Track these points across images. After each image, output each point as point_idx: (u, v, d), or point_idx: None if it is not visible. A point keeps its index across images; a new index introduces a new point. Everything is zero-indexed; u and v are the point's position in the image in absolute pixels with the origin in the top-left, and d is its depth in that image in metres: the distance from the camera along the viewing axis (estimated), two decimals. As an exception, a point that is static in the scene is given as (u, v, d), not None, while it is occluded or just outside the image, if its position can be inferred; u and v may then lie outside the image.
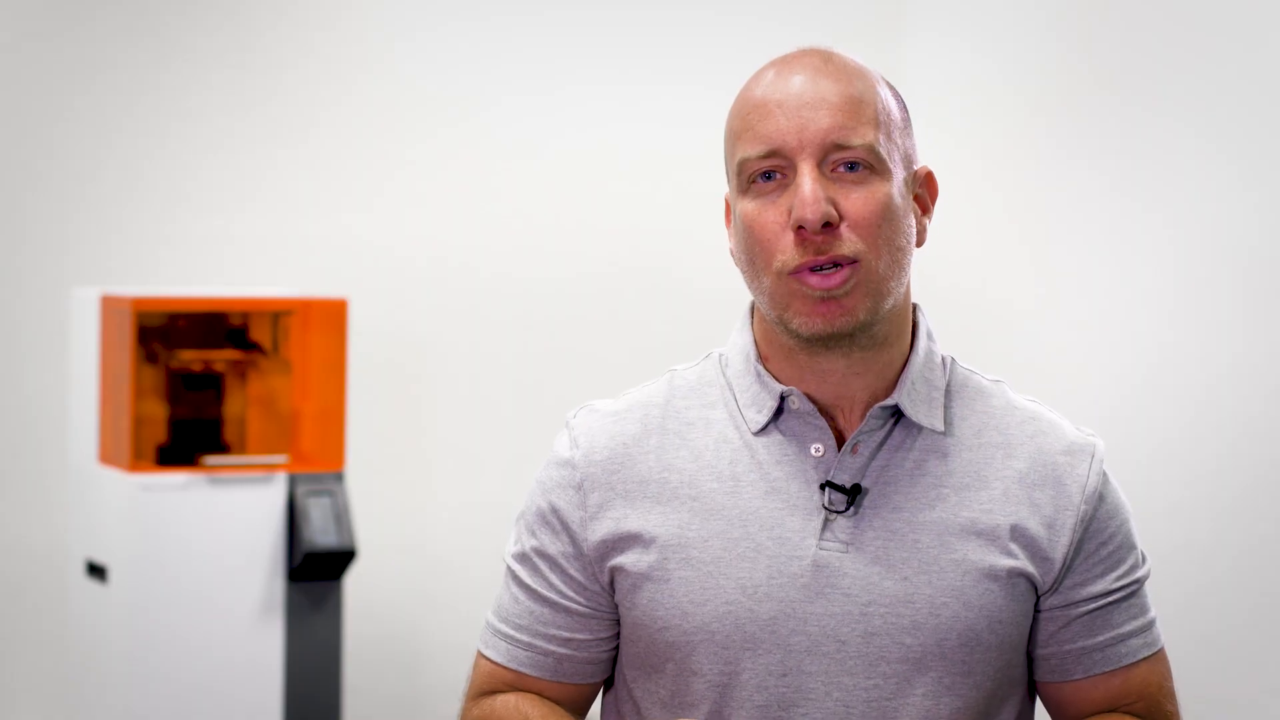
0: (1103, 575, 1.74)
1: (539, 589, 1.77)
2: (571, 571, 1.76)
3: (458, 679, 5.38)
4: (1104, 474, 1.76)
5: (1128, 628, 1.75)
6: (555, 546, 1.76)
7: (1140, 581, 1.77)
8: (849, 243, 1.66)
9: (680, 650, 1.71)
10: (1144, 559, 1.78)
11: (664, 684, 1.73)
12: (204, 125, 4.76)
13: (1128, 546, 1.76)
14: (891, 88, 1.74)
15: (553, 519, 1.77)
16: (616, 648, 1.78)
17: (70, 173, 4.65)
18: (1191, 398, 4.32)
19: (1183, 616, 4.18)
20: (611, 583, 1.75)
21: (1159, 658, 1.78)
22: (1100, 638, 1.74)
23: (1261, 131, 4.17)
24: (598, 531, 1.75)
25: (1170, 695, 1.79)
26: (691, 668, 1.71)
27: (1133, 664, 1.76)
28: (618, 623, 1.77)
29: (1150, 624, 1.78)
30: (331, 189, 4.88)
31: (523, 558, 1.79)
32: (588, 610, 1.76)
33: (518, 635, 1.78)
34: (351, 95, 4.89)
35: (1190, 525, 4.27)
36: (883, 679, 1.68)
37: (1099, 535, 1.74)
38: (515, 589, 1.79)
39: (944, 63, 5.09)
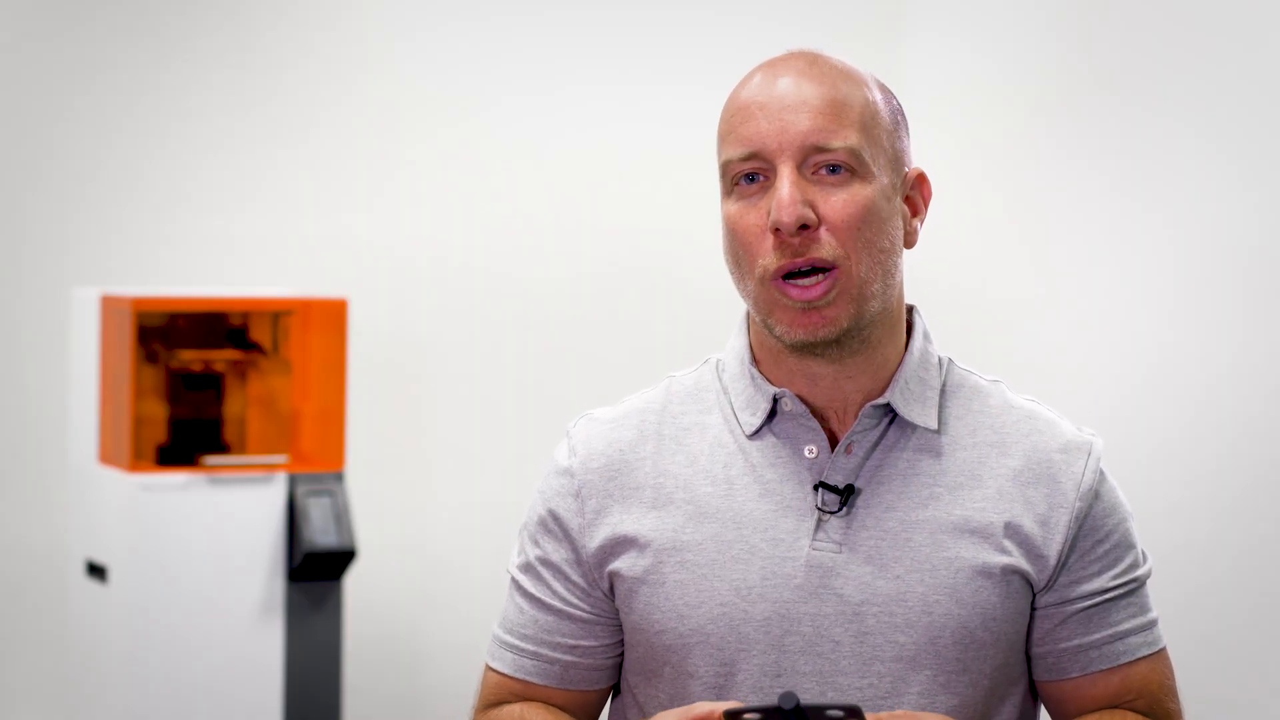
0: (1100, 573, 1.74)
1: (543, 597, 1.78)
2: (575, 578, 1.77)
3: (458, 679, 5.37)
4: (1101, 472, 1.75)
5: (1126, 625, 1.75)
6: (558, 554, 1.77)
7: (1140, 581, 1.76)
8: (827, 246, 1.67)
9: (676, 653, 1.71)
10: (1145, 558, 1.78)
11: (663, 687, 1.74)
12: (204, 125, 4.76)
13: (1126, 545, 1.76)
14: (884, 89, 1.74)
15: (554, 526, 1.78)
16: (622, 654, 1.79)
17: (70, 173, 4.65)
18: (1191, 398, 4.32)
19: (1183, 616, 4.18)
20: (611, 588, 1.76)
21: (1160, 657, 1.77)
22: (1097, 635, 1.74)
23: (1261, 131, 4.17)
24: (596, 538, 1.75)
25: (1172, 693, 1.78)
26: (688, 670, 1.71)
27: (1132, 662, 1.75)
28: (622, 628, 1.77)
29: (1151, 623, 1.76)
30: (331, 189, 4.88)
31: (527, 567, 1.79)
32: (591, 616, 1.77)
33: (524, 645, 1.78)
34: (351, 95, 4.89)
35: (1190, 525, 4.26)
36: (877, 678, 1.68)
37: (1095, 533, 1.74)
38: (520, 599, 1.79)
39: (944, 63, 5.09)
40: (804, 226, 1.66)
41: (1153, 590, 1.80)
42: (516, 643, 1.79)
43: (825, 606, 1.69)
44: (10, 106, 4.60)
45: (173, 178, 4.74)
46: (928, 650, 1.68)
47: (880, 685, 1.68)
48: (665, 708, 1.73)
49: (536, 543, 1.79)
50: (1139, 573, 1.76)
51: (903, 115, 1.76)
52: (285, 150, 4.84)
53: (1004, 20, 4.93)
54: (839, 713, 1.44)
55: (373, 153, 4.92)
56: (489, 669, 1.81)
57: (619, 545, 1.74)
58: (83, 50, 4.64)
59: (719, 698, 1.70)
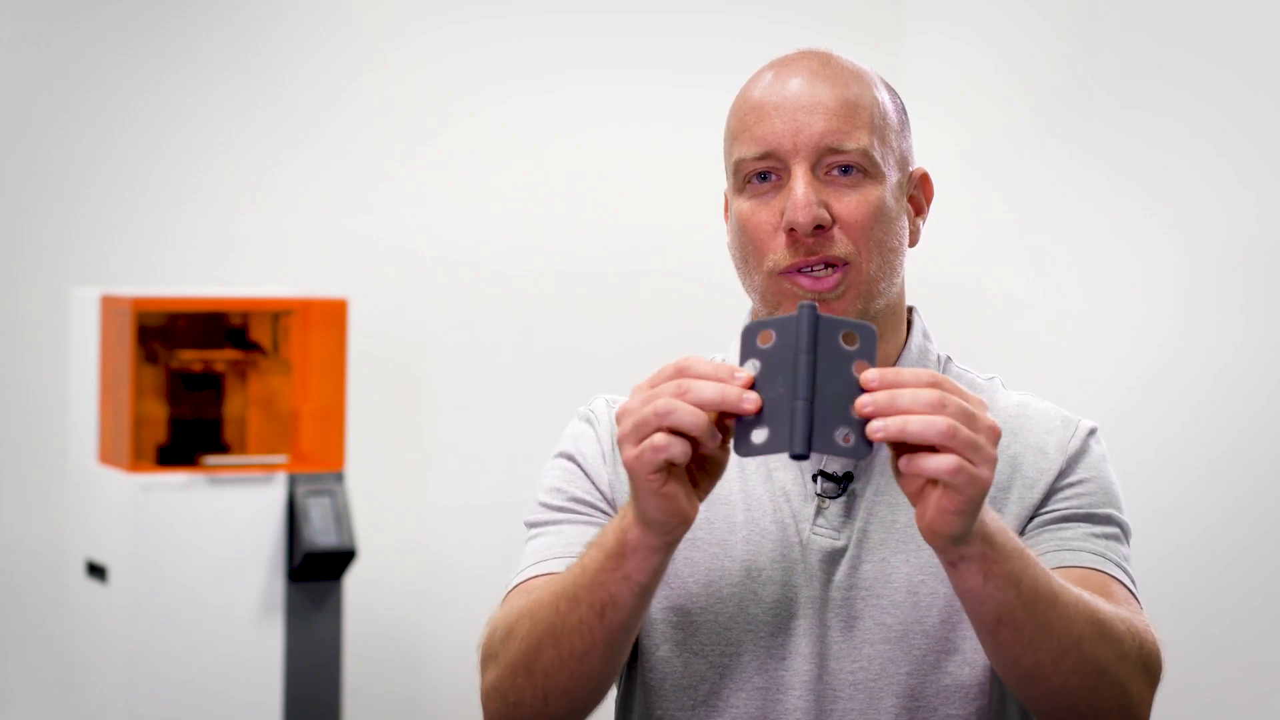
0: (1065, 500, 1.72)
1: (584, 521, 1.75)
2: (607, 510, 1.76)
3: (458, 679, 5.35)
4: (1089, 444, 1.75)
5: (1078, 542, 1.71)
6: (591, 494, 1.77)
7: (1111, 520, 1.73)
8: (840, 245, 1.69)
9: (682, 630, 1.73)
10: (1124, 524, 1.74)
11: (670, 664, 1.74)
12: (204, 125, 4.76)
13: (1102, 493, 1.74)
14: (890, 89, 1.77)
15: (579, 471, 1.78)
16: None
17: (70, 173, 4.65)
18: (1190, 397, 4.32)
19: (1183, 616, 4.18)
20: None
21: (1117, 584, 1.68)
22: (1046, 544, 1.71)
23: (1261, 131, 4.17)
24: (617, 487, 1.76)
25: (1130, 607, 1.67)
26: (693, 648, 1.73)
27: (1078, 568, 1.68)
28: None
29: (1111, 559, 1.70)
30: (331, 189, 4.89)
31: (559, 508, 1.77)
32: None
33: (570, 550, 1.73)
34: (351, 95, 4.89)
35: (1190, 525, 4.27)
36: (867, 661, 1.70)
37: (1070, 474, 1.74)
38: (556, 528, 1.76)
39: (944, 63, 5.09)
40: (819, 227, 1.68)
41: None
42: (560, 554, 1.73)
43: (820, 591, 1.71)
44: (10, 106, 4.60)
45: (173, 178, 4.75)
46: (915, 630, 1.70)
47: (870, 668, 1.70)
48: (675, 685, 1.73)
49: (561, 490, 1.77)
50: (1113, 515, 1.73)
51: (906, 114, 1.78)
52: (285, 150, 4.84)
53: (1004, 20, 4.93)
54: (852, 330, 1.39)
55: (373, 153, 4.92)
56: (514, 587, 1.74)
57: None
58: (83, 50, 4.64)
59: (722, 677, 1.72)
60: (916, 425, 1.39)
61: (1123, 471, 1.82)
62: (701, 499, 1.52)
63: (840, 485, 1.73)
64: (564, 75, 5.07)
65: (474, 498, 5.00)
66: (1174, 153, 4.38)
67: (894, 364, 1.76)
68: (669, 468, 1.47)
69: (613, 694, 1.85)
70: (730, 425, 1.48)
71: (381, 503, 4.86)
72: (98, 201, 4.68)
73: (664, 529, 1.51)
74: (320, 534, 4.15)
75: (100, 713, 4.16)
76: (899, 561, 1.70)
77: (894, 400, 1.40)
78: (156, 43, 4.71)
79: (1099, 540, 1.71)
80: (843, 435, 1.41)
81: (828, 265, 1.69)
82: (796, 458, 1.42)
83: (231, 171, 4.79)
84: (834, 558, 1.71)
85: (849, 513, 1.73)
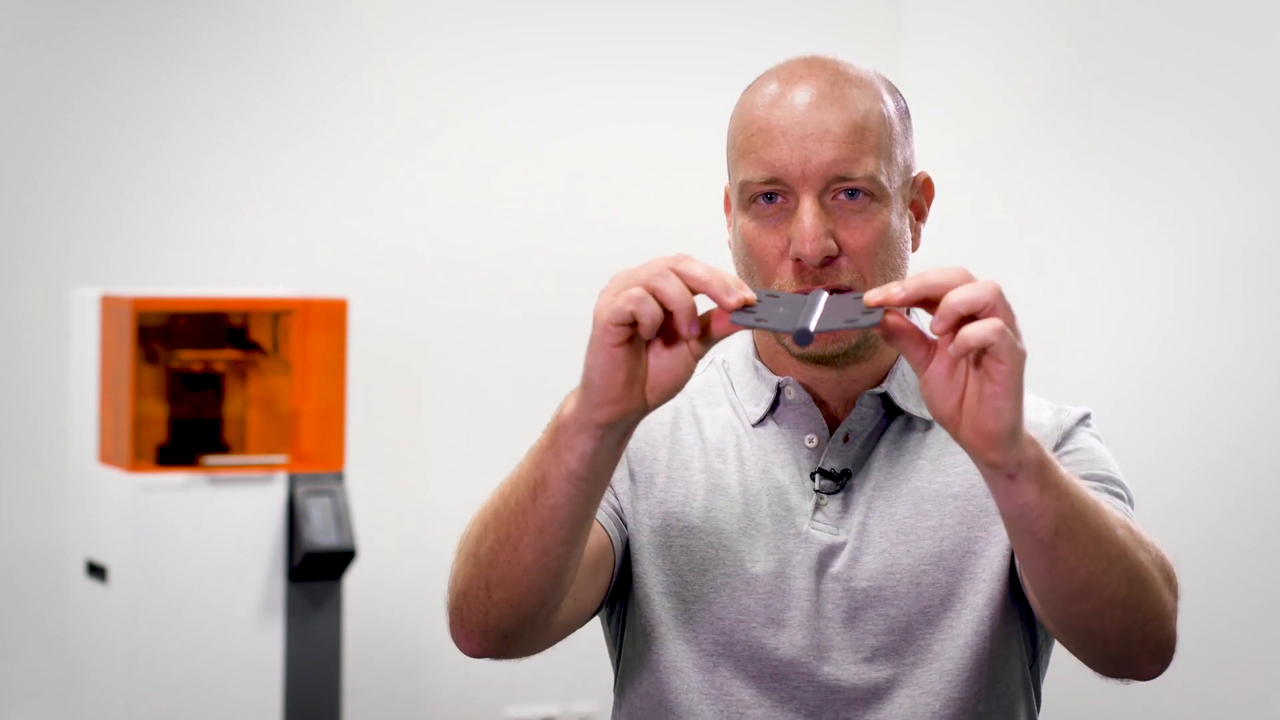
0: (1066, 468, 1.72)
1: None
2: None
3: (458, 679, 5.34)
4: (1079, 427, 1.76)
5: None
6: None
7: (1114, 481, 1.72)
8: (845, 273, 1.69)
9: (678, 618, 1.74)
10: (1125, 486, 1.74)
11: (666, 649, 1.75)
12: (204, 125, 4.76)
13: (1100, 461, 1.73)
14: (893, 91, 1.75)
15: None
16: (625, 552, 1.78)
17: (70, 173, 4.65)
18: (1190, 397, 4.32)
19: (1183, 616, 4.17)
20: (621, 513, 1.77)
21: (1134, 521, 1.67)
22: None
23: (1261, 131, 4.17)
24: (621, 463, 1.75)
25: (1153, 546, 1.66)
26: (686, 636, 1.74)
27: None
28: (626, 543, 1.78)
29: (1122, 510, 1.68)
30: (331, 189, 4.89)
31: None
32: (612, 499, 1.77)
33: None
34: (351, 95, 4.89)
35: (1190, 525, 4.27)
36: (870, 652, 1.71)
37: (1066, 445, 1.74)
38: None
39: (944, 63, 5.09)
40: (826, 257, 1.68)
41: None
42: None
43: (820, 584, 1.72)
44: (10, 106, 4.60)
45: (173, 178, 4.74)
46: (919, 620, 1.71)
47: (874, 659, 1.71)
48: (668, 669, 1.74)
49: None
50: (1113, 475, 1.73)
51: (909, 116, 1.77)
52: (285, 150, 4.84)
53: (1004, 20, 4.93)
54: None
55: (373, 153, 4.92)
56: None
57: (635, 485, 1.77)
58: (83, 50, 4.64)
59: (716, 666, 1.73)
60: (966, 292, 1.40)
61: (1123, 471, 1.82)
62: (651, 405, 1.49)
63: (838, 482, 1.74)
64: (564, 75, 5.07)
65: (474, 498, 4.93)
66: (1174, 153, 4.38)
67: (891, 369, 1.77)
68: (632, 330, 1.46)
69: (608, 679, 1.86)
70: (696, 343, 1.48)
71: (381, 503, 4.86)
72: (98, 201, 4.68)
73: (595, 401, 1.49)
74: (320, 534, 4.15)
75: (100, 713, 4.16)
76: (900, 553, 1.71)
77: (924, 278, 1.41)
78: (156, 43, 4.71)
79: (1104, 495, 1.70)
80: (847, 320, 1.43)
81: (832, 291, 1.69)
82: (801, 337, 1.42)
83: (231, 171, 4.79)
84: (833, 551, 1.72)
85: (847, 508, 1.74)
